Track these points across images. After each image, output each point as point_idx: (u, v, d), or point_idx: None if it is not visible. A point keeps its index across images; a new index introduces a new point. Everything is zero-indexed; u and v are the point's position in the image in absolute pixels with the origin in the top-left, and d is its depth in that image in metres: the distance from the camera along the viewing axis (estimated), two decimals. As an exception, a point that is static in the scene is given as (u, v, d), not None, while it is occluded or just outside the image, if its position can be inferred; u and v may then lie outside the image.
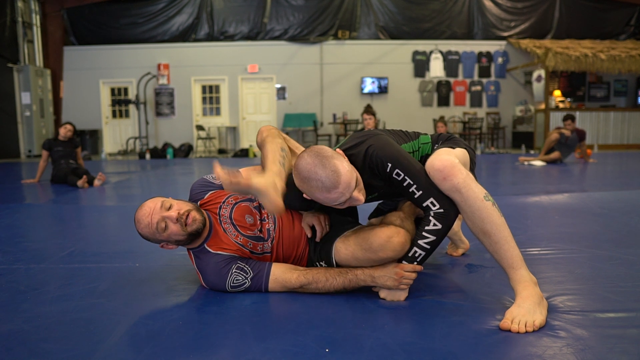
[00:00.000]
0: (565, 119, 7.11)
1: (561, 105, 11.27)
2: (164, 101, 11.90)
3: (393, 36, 11.93)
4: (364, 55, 11.81)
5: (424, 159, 1.67)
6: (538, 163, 6.83)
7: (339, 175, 1.37)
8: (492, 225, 1.42)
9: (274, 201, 1.42)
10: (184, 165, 8.09)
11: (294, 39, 11.82)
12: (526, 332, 1.27)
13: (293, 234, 1.69)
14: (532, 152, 10.09)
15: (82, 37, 11.86)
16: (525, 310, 1.32)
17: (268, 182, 1.44)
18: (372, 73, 11.85)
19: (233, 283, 1.58)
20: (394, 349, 1.20)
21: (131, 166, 8.12)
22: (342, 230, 1.66)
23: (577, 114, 10.78)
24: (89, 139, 11.23)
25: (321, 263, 1.66)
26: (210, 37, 11.86)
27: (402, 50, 11.87)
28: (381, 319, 1.40)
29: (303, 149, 1.70)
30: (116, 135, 12.15)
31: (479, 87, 12.04)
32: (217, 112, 12.18)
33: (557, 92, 11.90)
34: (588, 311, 1.42)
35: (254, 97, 12.10)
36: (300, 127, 11.59)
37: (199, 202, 1.71)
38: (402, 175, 1.47)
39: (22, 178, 5.96)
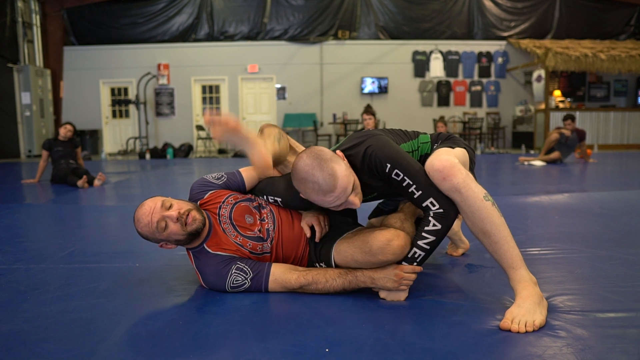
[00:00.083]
0: (565, 118, 7.11)
1: (561, 105, 11.26)
2: (164, 101, 11.90)
3: (393, 36, 11.93)
4: (364, 55, 11.81)
5: (423, 158, 1.67)
6: (538, 163, 6.83)
7: (336, 179, 1.37)
8: (491, 225, 1.42)
9: (262, 154, 1.46)
10: (184, 165, 8.09)
11: (294, 39, 11.82)
12: (526, 332, 1.27)
13: (293, 234, 1.68)
14: (532, 152, 10.09)
15: (82, 37, 11.86)
16: (525, 310, 1.32)
17: (258, 139, 1.50)
18: (372, 73, 11.85)
19: (233, 284, 1.58)
20: (394, 348, 1.20)
21: (131, 166, 8.12)
22: (341, 232, 1.66)
23: (577, 114, 10.78)
24: (89, 139, 11.23)
25: (321, 264, 1.66)
26: (210, 37, 11.86)
27: (402, 50, 11.87)
28: (381, 319, 1.40)
29: (303, 148, 1.70)
30: (116, 135, 12.14)
31: (479, 87, 12.04)
32: (217, 112, 12.16)
33: (557, 92, 11.90)
34: (588, 311, 1.42)
35: (254, 97, 12.10)
36: (300, 127, 11.59)
37: (198, 202, 1.71)
38: (402, 175, 1.47)
39: (22, 178, 5.96)
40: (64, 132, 5.54)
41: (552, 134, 7.10)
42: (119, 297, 1.60)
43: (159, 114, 11.90)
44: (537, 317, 1.31)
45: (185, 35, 11.88)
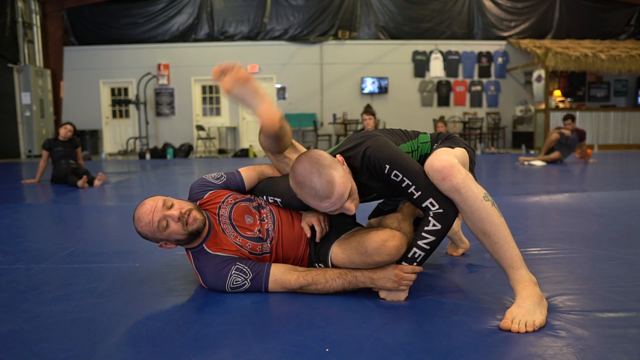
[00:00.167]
0: (565, 118, 7.11)
1: (561, 105, 11.26)
2: (164, 101, 11.90)
3: (393, 36, 11.93)
4: (364, 55, 11.80)
5: (423, 158, 1.67)
6: (538, 163, 6.83)
7: (333, 186, 1.37)
8: (491, 225, 1.42)
9: (270, 109, 1.49)
10: (184, 165, 8.09)
11: (294, 39, 11.82)
12: (526, 332, 1.27)
13: (293, 234, 1.68)
14: (532, 152, 10.09)
15: (82, 37, 11.86)
16: (525, 310, 1.32)
17: (267, 95, 1.52)
18: (372, 73, 11.85)
19: (233, 284, 1.58)
20: (394, 348, 1.20)
21: (131, 166, 8.12)
22: (340, 232, 1.66)
23: (577, 114, 10.78)
24: (89, 139, 11.23)
25: (320, 265, 1.66)
26: (210, 37, 11.86)
27: (402, 50, 11.87)
28: (381, 318, 1.40)
29: (305, 149, 1.70)
30: (116, 135, 12.15)
31: (479, 87, 12.04)
32: (217, 112, 12.18)
33: (557, 92, 11.90)
34: (588, 311, 1.41)
35: (254, 97, 12.08)
36: (300, 127, 11.59)
37: (198, 202, 1.71)
38: (401, 176, 1.47)
39: (22, 178, 5.96)
40: (64, 132, 5.54)
41: (552, 134, 7.10)
42: (119, 297, 1.60)
43: (159, 114, 11.90)
44: (537, 317, 1.31)
45: (186, 35, 11.88)
